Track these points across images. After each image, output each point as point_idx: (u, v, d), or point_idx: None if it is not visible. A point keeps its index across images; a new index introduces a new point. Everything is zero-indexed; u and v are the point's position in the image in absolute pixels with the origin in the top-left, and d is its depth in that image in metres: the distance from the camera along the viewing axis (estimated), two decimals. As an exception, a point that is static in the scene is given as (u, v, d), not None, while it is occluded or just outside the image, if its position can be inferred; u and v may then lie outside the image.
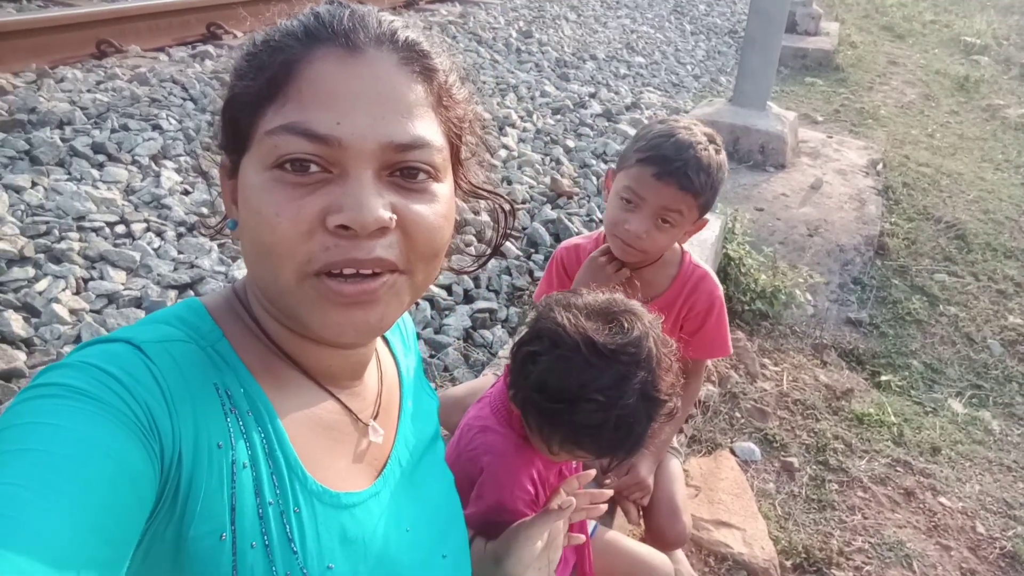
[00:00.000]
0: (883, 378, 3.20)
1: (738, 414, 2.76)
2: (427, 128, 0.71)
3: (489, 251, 1.00)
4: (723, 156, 1.60)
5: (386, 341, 0.98)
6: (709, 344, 1.80)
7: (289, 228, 0.64)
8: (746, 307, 3.35)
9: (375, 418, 0.85)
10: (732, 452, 2.57)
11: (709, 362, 2.91)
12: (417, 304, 2.60)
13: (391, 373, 0.94)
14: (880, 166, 5.10)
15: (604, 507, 1.66)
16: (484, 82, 5.19)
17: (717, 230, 3.19)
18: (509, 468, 1.17)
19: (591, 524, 1.47)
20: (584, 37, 7.07)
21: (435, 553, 0.88)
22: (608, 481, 1.77)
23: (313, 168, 0.66)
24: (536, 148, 4.23)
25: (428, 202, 0.71)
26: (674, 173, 1.50)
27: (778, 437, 2.66)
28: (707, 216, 1.65)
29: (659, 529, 1.75)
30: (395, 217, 0.68)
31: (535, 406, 1.09)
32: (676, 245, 1.77)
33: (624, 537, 1.47)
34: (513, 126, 4.46)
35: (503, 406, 1.23)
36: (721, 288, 1.80)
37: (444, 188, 0.74)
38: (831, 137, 5.55)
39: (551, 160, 4.08)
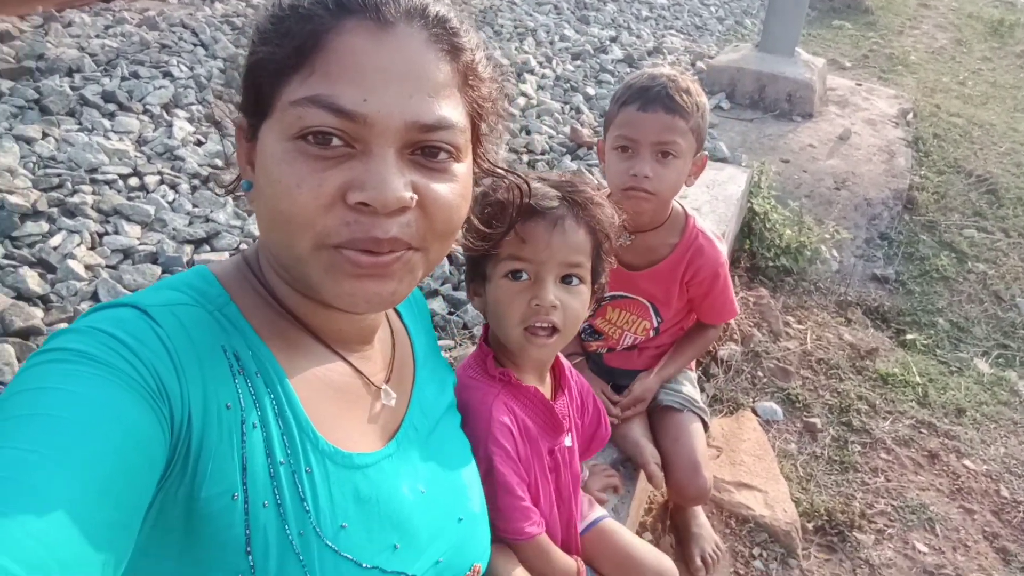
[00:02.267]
0: (908, 337, 3.15)
1: (760, 373, 2.72)
2: (452, 108, 0.70)
3: (504, 229, 1.01)
4: (700, 88, 1.61)
5: (398, 312, 1.00)
6: (719, 309, 1.82)
7: (309, 200, 0.64)
8: (770, 263, 3.28)
9: (387, 382, 0.87)
10: (754, 412, 2.55)
11: (732, 320, 2.87)
12: None
13: (403, 341, 0.96)
14: (910, 116, 4.94)
15: (616, 481, 1.65)
16: (501, 25, 5.03)
17: (743, 185, 3.10)
18: (480, 411, 1.13)
19: (596, 513, 1.44)
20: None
21: (451, 516, 0.88)
22: (616, 411, 1.77)
23: (336, 142, 0.66)
24: (555, 96, 4.10)
25: (448, 181, 0.71)
26: (656, 98, 1.52)
27: (801, 397, 2.62)
28: (704, 152, 1.65)
29: (679, 484, 1.75)
30: (415, 197, 0.68)
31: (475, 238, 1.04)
32: (679, 208, 1.74)
33: (628, 532, 1.44)
34: (532, 72, 4.33)
35: (476, 357, 1.21)
36: (725, 253, 1.78)
37: (463, 168, 0.74)
38: (860, 85, 5.36)
39: (571, 108, 3.96)
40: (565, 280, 1.12)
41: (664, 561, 1.39)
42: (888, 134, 4.57)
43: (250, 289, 0.76)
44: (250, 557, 0.65)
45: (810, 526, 2.14)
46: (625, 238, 1.70)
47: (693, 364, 1.93)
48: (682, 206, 1.74)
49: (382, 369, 0.87)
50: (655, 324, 1.78)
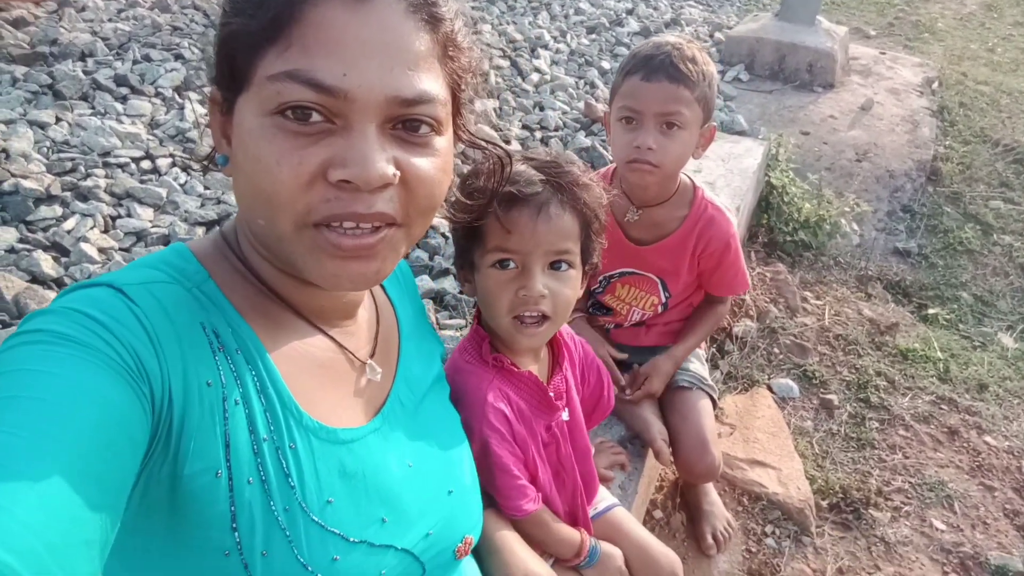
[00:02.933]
0: (930, 311, 3.08)
1: (777, 350, 2.68)
2: (432, 81, 0.69)
3: (484, 201, 0.99)
4: (707, 55, 1.56)
5: (382, 286, 0.99)
6: (730, 281, 1.78)
7: (289, 178, 0.63)
8: (788, 238, 3.23)
9: (372, 357, 0.86)
10: (769, 389, 2.52)
11: (748, 296, 2.83)
12: (427, 234, 2.54)
13: (388, 315, 0.96)
14: (935, 84, 4.80)
15: (623, 459, 1.64)
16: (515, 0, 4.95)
17: (759, 157, 3.04)
18: (475, 396, 1.14)
19: (606, 501, 1.43)
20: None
21: (441, 489, 0.88)
22: (627, 394, 1.76)
23: (315, 117, 0.64)
24: (570, 71, 4.05)
25: (430, 156, 0.70)
26: (660, 67, 1.48)
27: (818, 374, 2.59)
28: (713, 123, 1.60)
29: (688, 462, 1.74)
30: (398, 173, 0.67)
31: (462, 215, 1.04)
32: (688, 180, 1.70)
33: (636, 523, 1.43)
34: (546, 47, 4.27)
35: (472, 341, 1.20)
36: (735, 224, 1.75)
37: (444, 141, 0.73)
38: (884, 53, 5.22)
39: (585, 84, 3.91)
40: (554, 266, 1.10)
41: (671, 555, 1.37)
42: (912, 103, 4.45)
43: (228, 265, 0.75)
44: (236, 534, 0.65)
45: (824, 504, 2.12)
46: (633, 213, 1.68)
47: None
48: (690, 178, 1.71)
49: (366, 343, 0.87)
50: (663, 299, 1.76)
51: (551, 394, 1.20)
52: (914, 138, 4.09)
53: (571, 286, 1.12)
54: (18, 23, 3.35)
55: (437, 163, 0.71)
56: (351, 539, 0.72)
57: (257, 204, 0.67)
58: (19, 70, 2.93)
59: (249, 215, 0.71)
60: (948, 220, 3.65)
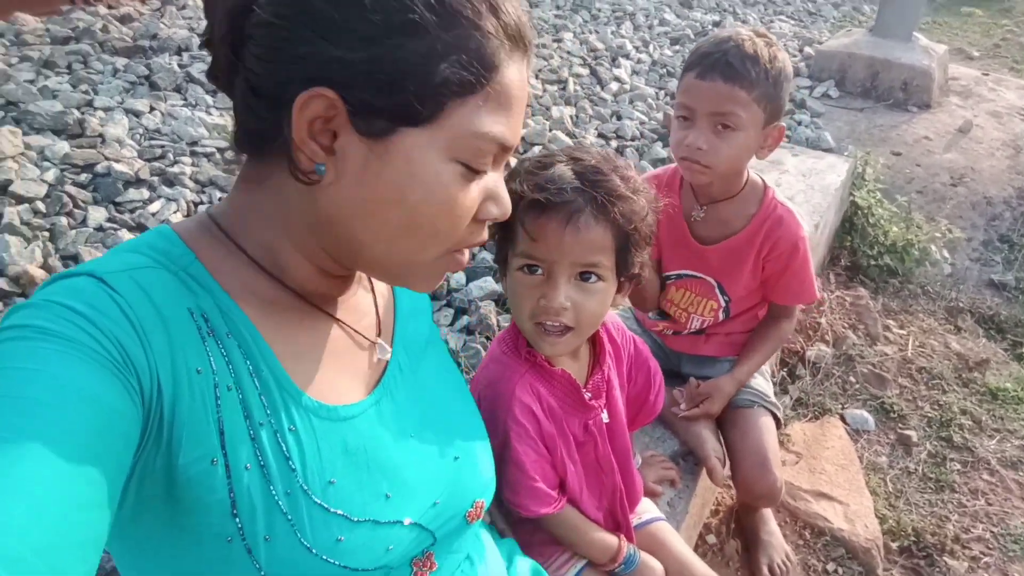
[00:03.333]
0: (1025, 349, 2.88)
1: (853, 379, 2.55)
2: None
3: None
4: (779, 51, 1.44)
5: None
6: (797, 288, 1.67)
7: (463, 221, 0.70)
8: (872, 262, 3.07)
9: (379, 335, 0.85)
10: (842, 419, 2.39)
11: (823, 320, 2.70)
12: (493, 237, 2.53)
13: (384, 287, 0.93)
14: (1045, 109, 4.50)
15: (673, 474, 1.58)
16: (599, 9, 4.93)
17: (844, 175, 2.90)
18: (503, 388, 1.11)
19: (651, 513, 1.38)
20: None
21: (445, 456, 0.86)
22: (680, 410, 1.69)
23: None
24: (650, 81, 3.98)
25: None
26: (715, 65, 1.39)
27: (896, 407, 2.44)
28: (782, 123, 1.50)
29: (747, 481, 1.64)
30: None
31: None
32: (758, 179, 1.62)
33: (680, 540, 1.36)
34: (627, 57, 4.22)
35: (511, 332, 1.17)
36: (805, 229, 1.65)
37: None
38: (987, 75, 4.94)
39: (666, 94, 3.84)
40: (583, 276, 1.04)
41: None
42: (1015, 128, 4.18)
43: (218, 246, 0.71)
44: (237, 520, 0.64)
45: (894, 546, 1.98)
46: (699, 211, 1.61)
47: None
48: (761, 178, 1.63)
49: (364, 315, 0.84)
50: (723, 303, 1.68)
51: (587, 395, 1.16)
52: (1015, 164, 3.83)
53: (599, 299, 1.06)
54: (124, 19, 3.55)
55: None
56: (355, 518, 0.71)
57: (409, 233, 0.68)
58: (120, 61, 3.08)
59: (371, 236, 0.68)
60: (1051, 253, 3.41)
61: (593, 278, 1.05)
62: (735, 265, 1.64)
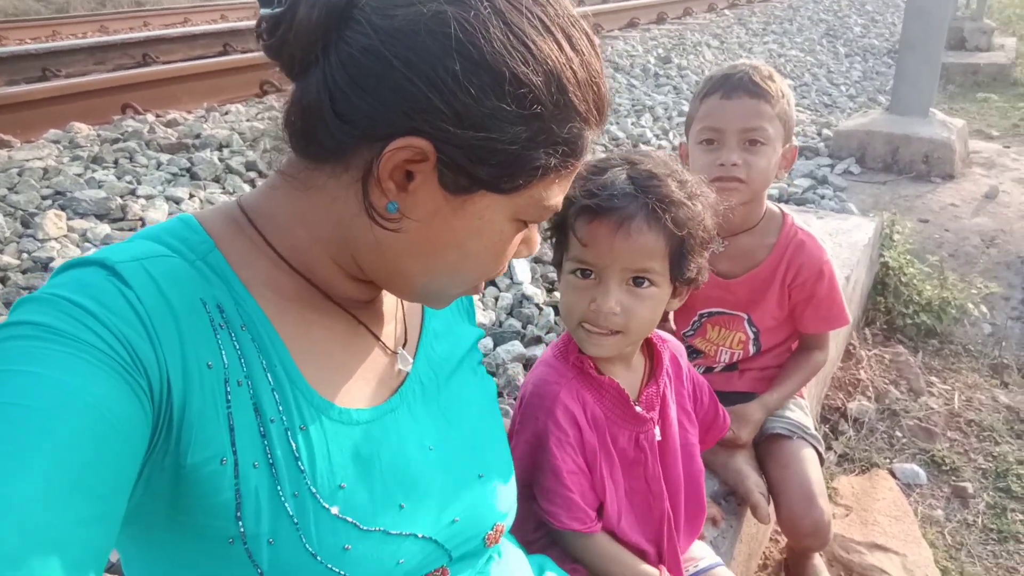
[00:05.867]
0: (1082, 404, 2.73)
1: (899, 433, 2.43)
2: None
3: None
4: (781, 78, 1.55)
5: None
6: (825, 314, 1.63)
7: (503, 266, 0.75)
8: (908, 320, 3.00)
9: (404, 346, 0.82)
10: (892, 474, 2.27)
11: (864, 375, 2.62)
12: (520, 303, 2.55)
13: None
14: (1072, 176, 4.48)
15: (715, 512, 1.50)
16: (619, 104, 5.14)
17: (870, 233, 2.89)
18: (547, 389, 1.09)
19: (710, 560, 1.30)
20: (726, 62, 6.87)
21: (470, 473, 0.82)
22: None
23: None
24: (670, 162, 4.09)
25: None
26: (739, 85, 1.48)
27: (948, 460, 2.31)
28: (795, 144, 1.57)
29: (791, 518, 1.54)
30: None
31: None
32: (775, 208, 1.63)
33: None
34: (647, 143, 4.36)
35: (561, 343, 1.16)
36: (828, 253, 1.64)
37: None
38: (1008, 147, 4.98)
39: (686, 173, 3.92)
40: (636, 281, 1.04)
41: None
42: (1045, 193, 4.16)
43: (243, 238, 0.69)
44: (240, 523, 0.62)
45: (962, 599, 1.83)
46: (719, 244, 1.61)
47: (803, 392, 1.75)
48: (778, 206, 1.64)
49: (385, 321, 0.81)
50: (751, 335, 1.65)
51: (638, 408, 1.12)
52: (1049, 226, 3.78)
53: (651, 305, 1.05)
54: (171, 123, 3.81)
55: None
56: (364, 527, 0.67)
57: (457, 268, 0.72)
58: (164, 156, 3.28)
59: (420, 269, 0.70)
60: (1098, 310, 3.29)
61: (646, 283, 1.04)
62: (762, 295, 1.62)
